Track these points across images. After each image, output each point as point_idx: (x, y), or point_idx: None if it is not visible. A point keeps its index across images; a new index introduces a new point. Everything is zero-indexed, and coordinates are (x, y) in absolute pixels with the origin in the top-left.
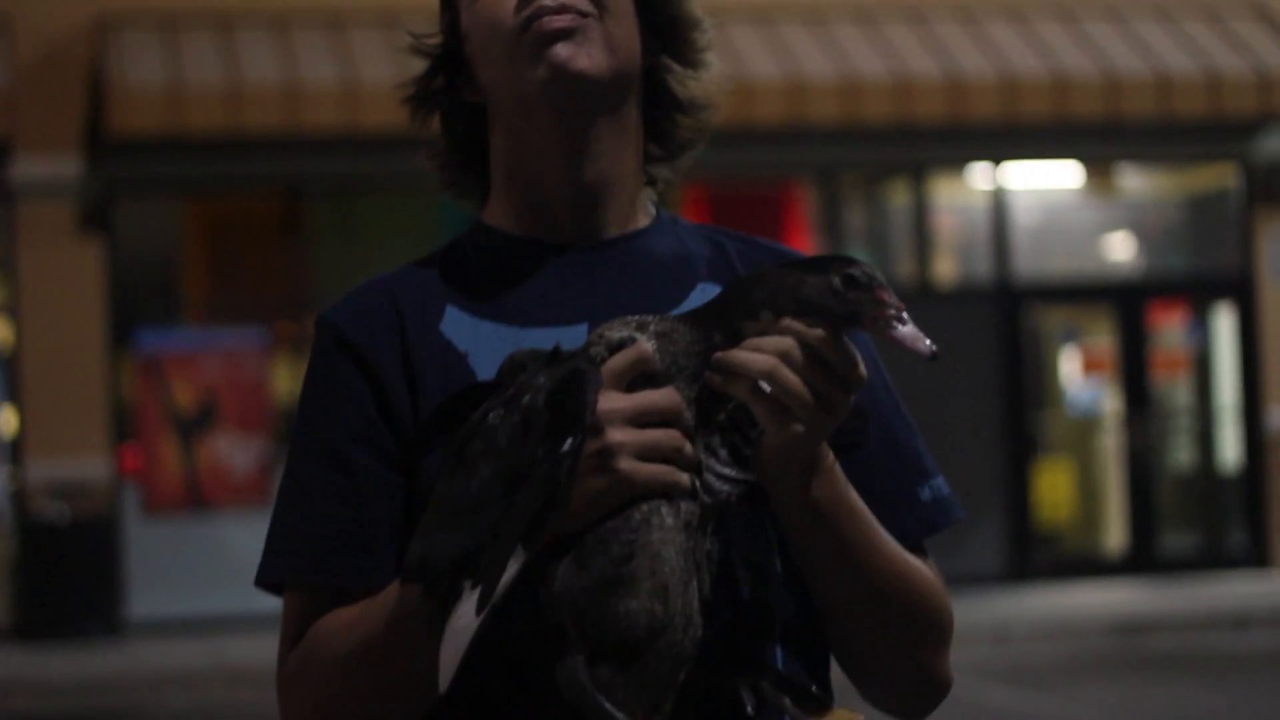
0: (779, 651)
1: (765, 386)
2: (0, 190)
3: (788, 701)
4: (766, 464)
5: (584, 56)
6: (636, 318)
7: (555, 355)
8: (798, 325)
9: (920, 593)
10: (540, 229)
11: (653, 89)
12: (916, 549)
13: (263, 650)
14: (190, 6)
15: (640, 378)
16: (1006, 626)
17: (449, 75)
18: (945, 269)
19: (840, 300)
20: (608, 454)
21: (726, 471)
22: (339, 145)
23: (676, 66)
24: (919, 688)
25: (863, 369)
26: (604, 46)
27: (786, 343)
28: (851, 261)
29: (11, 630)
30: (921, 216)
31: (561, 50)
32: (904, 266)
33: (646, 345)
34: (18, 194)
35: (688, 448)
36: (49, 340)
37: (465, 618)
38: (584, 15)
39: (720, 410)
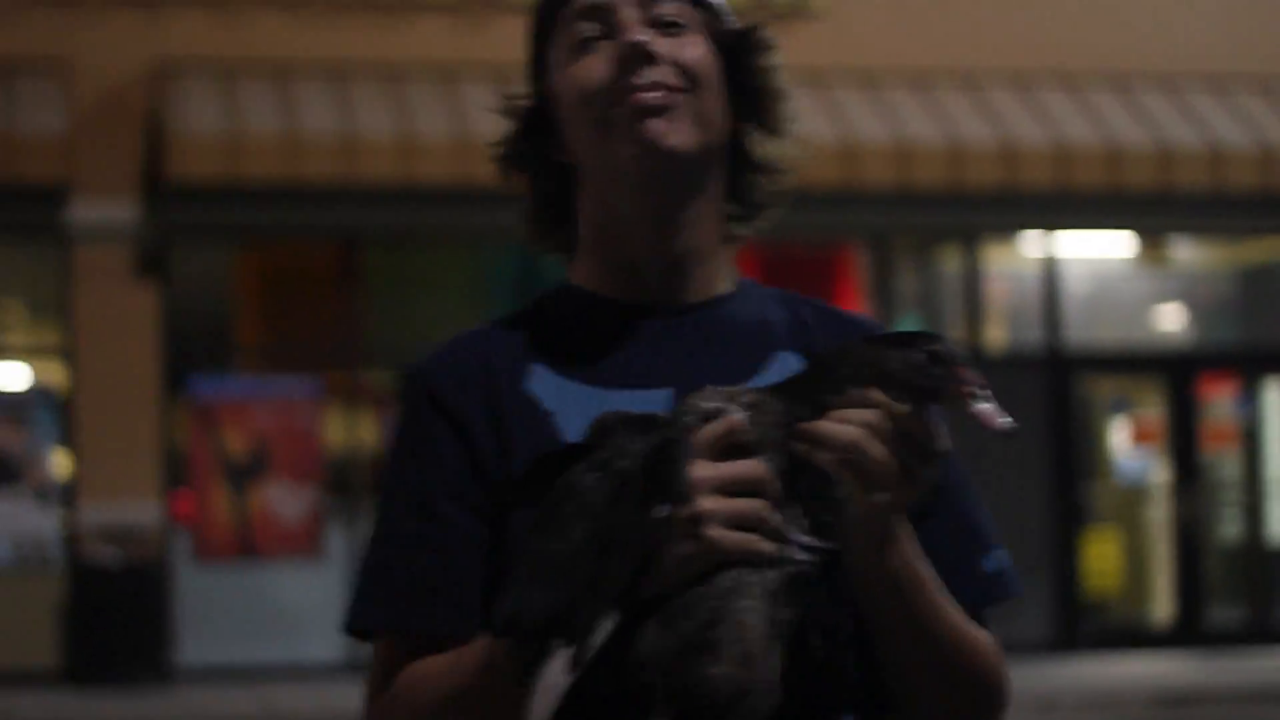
0: (849, 718)
1: (849, 457)
2: (58, 234)
3: None
4: (848, 533)
5: (675, 133)
6: (727, 388)
7: (649, 421)
8: (883, 398)
9: (981, 662)
10: (626, 292)
11: (733, 151)
12: (977, 618)
13: (311, 699)
14: (249, 55)
15: (730, 447)
16: (1054, 696)
17: (538, 135)
18: (996, 335)
19: (924, 375)
20: (697, 521)
21: (807, 541)
22: (394, 196)
23: (758, 132)
24: None
25: (944, 443)
26: (693, 122)
27: (872, 415)
28: (935, 338)
29: (62, 674)
30: (973, 282)
31: (653, 126)
32: (955, 332)
33: (737, 417)
34: (75, 238)
35: (773, 517)
36: (104, 384)
37: (556, 675)
38: (675, 91)
39: (803, 481)
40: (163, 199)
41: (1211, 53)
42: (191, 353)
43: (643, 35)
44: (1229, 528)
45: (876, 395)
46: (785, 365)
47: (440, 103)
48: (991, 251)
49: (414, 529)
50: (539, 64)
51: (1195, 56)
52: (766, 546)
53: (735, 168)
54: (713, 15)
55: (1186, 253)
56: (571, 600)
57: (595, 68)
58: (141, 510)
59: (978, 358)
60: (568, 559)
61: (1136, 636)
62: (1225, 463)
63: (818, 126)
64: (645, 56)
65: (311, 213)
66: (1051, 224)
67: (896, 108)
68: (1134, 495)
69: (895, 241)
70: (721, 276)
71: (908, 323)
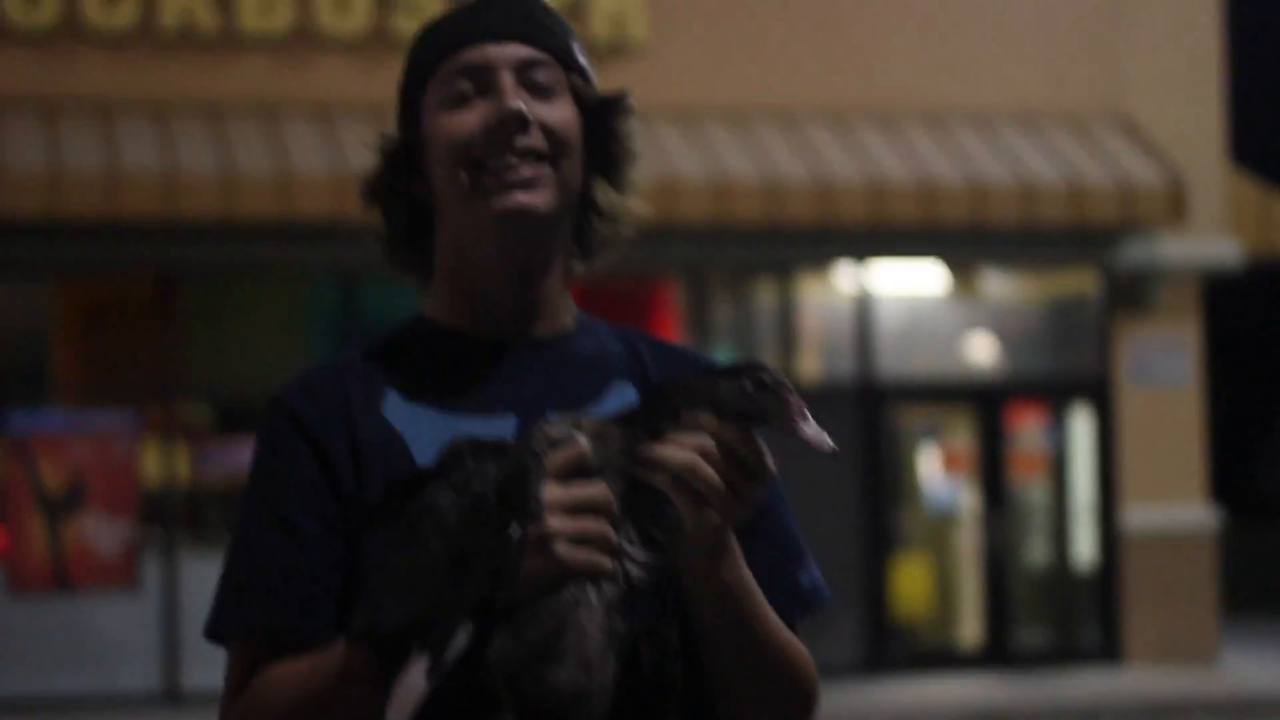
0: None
1: (684, 479)
2: None
3: None
4: (682, 548)
5: (538, 199)
6: (573, 417)
7: (498, 447)
8: (714, 424)
9: (799, 665)
10: (477, 326)
11: (581, 198)
12: (791, 628)
13: None
14: (70, 92)
15: (576, 471)
16: (864, 716)
17: (403, 171)
18: (810, 366)
19: (752, 403)
20: (546, 539)
21: (641, 556)
22: (214, 232)
23: (607, 185)
24: None
25: (771, 464)
26: (555, 190)
27: (704, 440)
28: (762, 368)
29: None
30: (788, 315)
31: (520, 197)
32: (769, 363)
33: (583, 444)
34: None
35: (613, 535)
36: None
37: (414, 681)
38: (542, 159)
39: (641, 501)
40: None
41: (1024, 90)
42: (8, 387)
43: (518, 102)
44: (1036, 552)
45: (708, 421)
46: (622, 395)
47: (261, 139)
48: (806, 284)
49: (273, 541)
50: (412, 104)
51: (1008, 94)
52: (607, 563)
53: (581, 213)
54: (581, 78)
55: (997, 285)
56: (429, 611)
57: (469, 124)
58: None
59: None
60: (425, 572)
61: (945, 658)
62: (1033, 489)
63: (639, 158)
64: (520, 123)
65: (131, 248)
66: (865, 257)
67: (713, 144)
68: (943, 521)
69: (711, 275)
70: (565, 311)
71: (723, 354)
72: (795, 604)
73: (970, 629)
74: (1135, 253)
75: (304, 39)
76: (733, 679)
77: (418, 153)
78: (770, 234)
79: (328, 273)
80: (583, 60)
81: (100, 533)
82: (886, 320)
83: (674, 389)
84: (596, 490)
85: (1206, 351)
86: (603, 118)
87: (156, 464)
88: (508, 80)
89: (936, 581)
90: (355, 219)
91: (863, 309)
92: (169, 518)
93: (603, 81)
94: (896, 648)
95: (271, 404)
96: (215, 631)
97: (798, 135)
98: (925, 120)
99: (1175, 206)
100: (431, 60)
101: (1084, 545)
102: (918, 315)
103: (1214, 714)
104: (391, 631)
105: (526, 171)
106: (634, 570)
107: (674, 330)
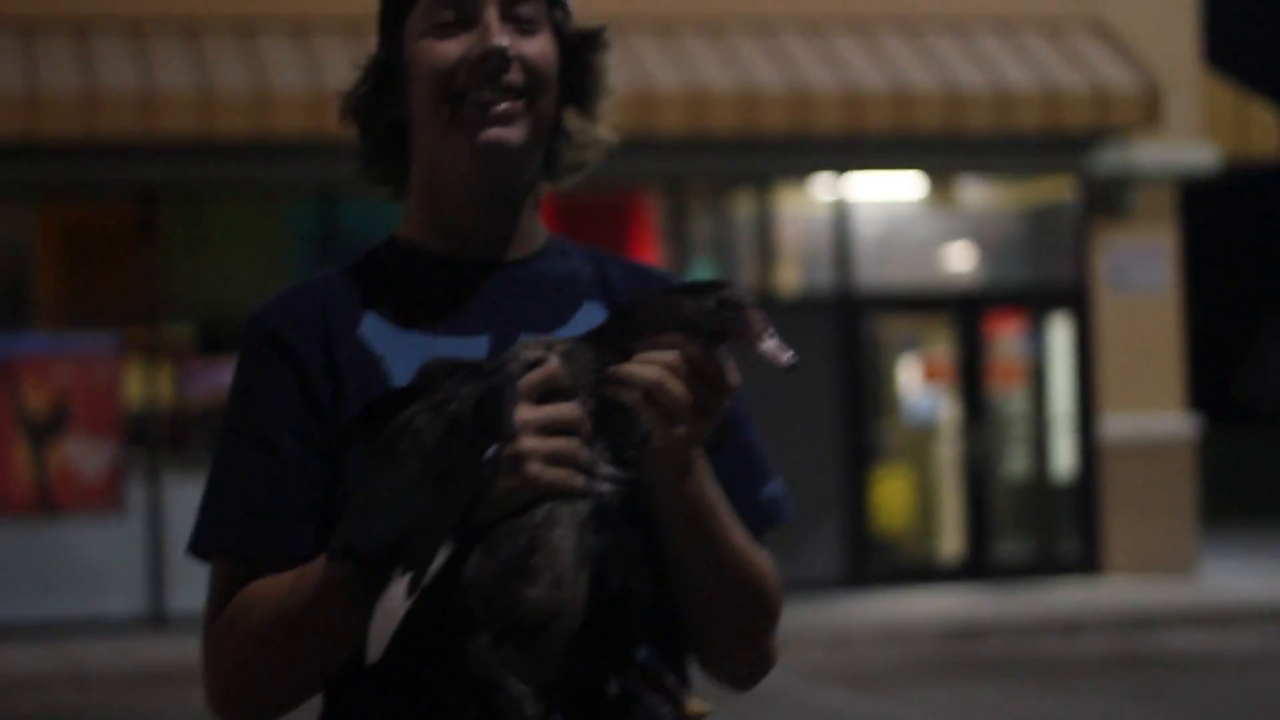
0: (643, 638)
1: (652, 394)
2: None
3: (649, 689)
4: (652, 462)
5: (514, 134)
6: (544, 338)
7: (473, 368)
8: (680, 340)
9: (763, 577)
10: (450, 248)
11: (554, 124)
12: (757, 540)
13: (112, 653)
14: (46, 12)
15: (548, 392)
16: (844, 631)
17: (383, 89)
18: (788, 278)
19: (715, 319)
20: (520, 459)
21: (612, 472)
22: (192, 151)
23: (580, 115)
24: (754, 664)
25: (735, 378)
26: (531, 123)
27: (670, 356)
28: (724, 285)
29: None
30: (765, 226)
31: (495, 132)
32: (748, 275)
33: (555, 364)
34: None
35: (585, 454)
36: None
37: (395, 598)
38: (519, 96)
39: (611, 419)
40: None
41: None
42: None
43: (502, 38)
44: (1016, 464)
45: (673, 338)
46: (591, 315)
47: (238, 57)
48: (783, 196)
49: (253, 460)
50: (394, 22)
51: (982, 0)
52: (579, 481)
53: (551, 138)
54: (561, 11)
55: (974, 193)
56: (409, 529)
57: (452, 54)
58: None
59: (770, 300)
60: (404, 492)
61: (926, 572)
62: (1013, 400)
63: (611, 74)
64: (502, 60)
65: (110, 168)
66: (842, 167)
67: (689, 54)
68: (923, 433)
69: (688, 187)
70: (535, 234)
71: (702, 266)
72: (760, 518)
73: (951, 542)
74: (1111, 159)
75: None
76: (699, 592)
77: (399, 73)
78: (747, 145)
79: (306, 190)
80: None
81: (84, 455)
82: (864, 230)
83: (640, 307)
84: (568, 410)
85: (1184, 257)
86: (580, 52)
87: (139, 385)
88: (492, 14)
89: (917, 494)
90: (333, 136)
91: (840, 219)
92: (153, 439)
93: None
94: (877, 562)
95: (250, 323)
96: (198, 549)
97: (773, 45)
98: (901, 28)
99: (1150, 111)
100: None
101: (1063, 455)
102: (895, 225)
103: (1194, 623)
104: (371, 550)
105: (505, 106)
106: (604, 487)
107: (652, 242)
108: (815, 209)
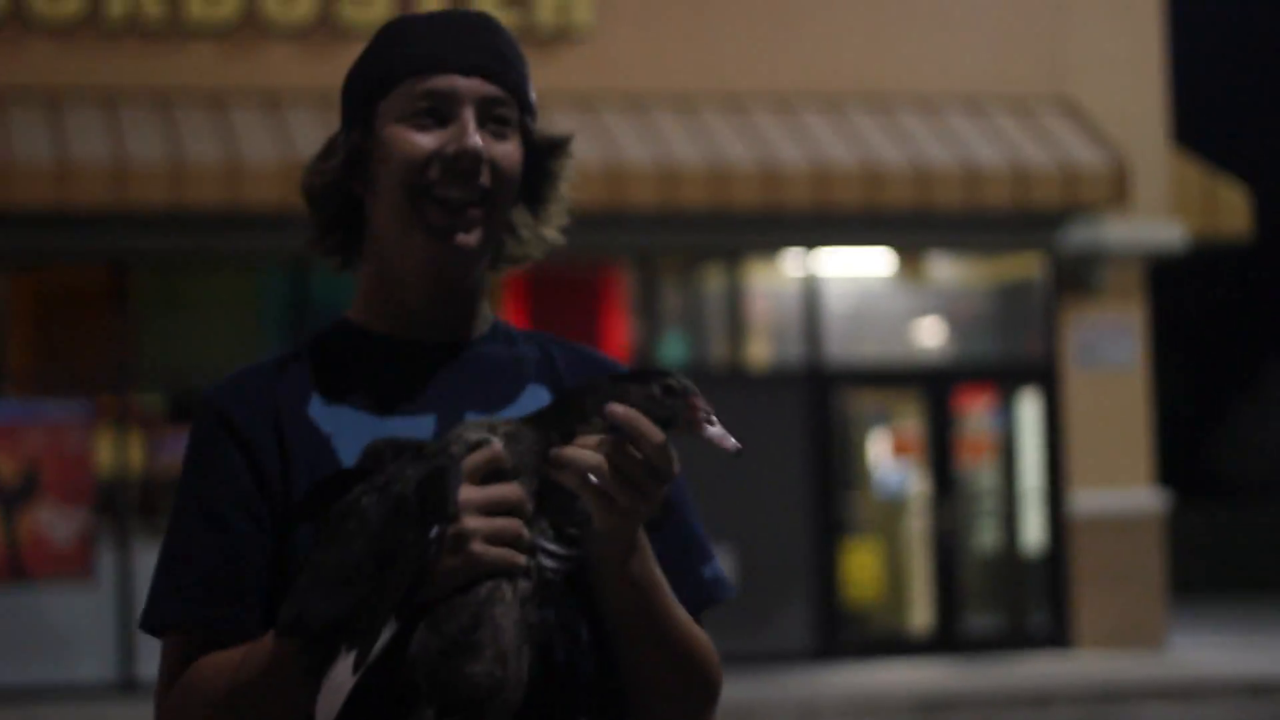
0: (585, 711)
1: (593, 479)
2: None
3: None
4: (593, 543)
5: (473, 239)
6: (488, 420)
7: (417, 448)
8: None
9: (704, 654)
10: (398, 330)
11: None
12: (696, 619)
13: (82, 719)
14: (19, 82)
15: (491, 473)
16: (814, 702)
17: (349, 168)
18: (759, 352)
19: (659, 406)
20: (462, 538)
21: (555, 549)
22: (165, 221)
23: (527, 210)
24: None
25: (676, 464)
26: (489, 227)
27: (611, 443)
28: (668, 374)
29: None
30: (736, 300)
31: (458, 237)
32: (718, 349)
33: (498, 446)
34: None
35: (526, 534)
36: None
37: (341, 674)
38: (483, 198)
39: (553, 499)
40: None
41: (968, 74)
42: None
43: (476, 139)
44: (985, 537)
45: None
46: (536, 397)
47: (210, 128)
48: (754, 270)
49: (205, 537)
50: (365, 102)
51: (952, 77)
52: (520, 559)
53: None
54: (531, 116)
55: (944, 270)
56: (354, 607)
57: (425, 147)
58: None
59: (740, 374)
60: (350, 570)
61: (896, 644)
62: (982, 474)
63: (583, 148)
64: (475, 161)
65: (82, 237)
66: (812, 242)
67: (661, 130)
68: (893, 506)
69: (660, 261)
70: (482, 318)
71: (673, 340)
72: (700, 596)
73: (921, 615)
74: (1080, 236)
75: (251, 27)
76: (641, 669)
77: (365, 153)
78: (718, 220)
79: (278, 260)
80: (533, 96)
81: (55, 522)
82: (834, 305)
83: (585, 392)
84: (510, 490)
85: (1152, 334)
86: (542, 156)
87: (110, 453)
88: (469, 116)
89: (887, 567)
90: (304, 208)
91: (810, 294)
92: (123, 507)
93: (548, 69)
94: (847, 634)
95: (202, 404)
96: (150, 623)
97: (744, 121)
98: (871, 105)
99: (1119, 189)
100: (399, 71)
101: (1033, 530)
102: (865, 300)
103: (1163, 697)
104: (318, 627)
105: (470, 212)
106: (548, 564)
107: (623, 316)
108: (786, 284)
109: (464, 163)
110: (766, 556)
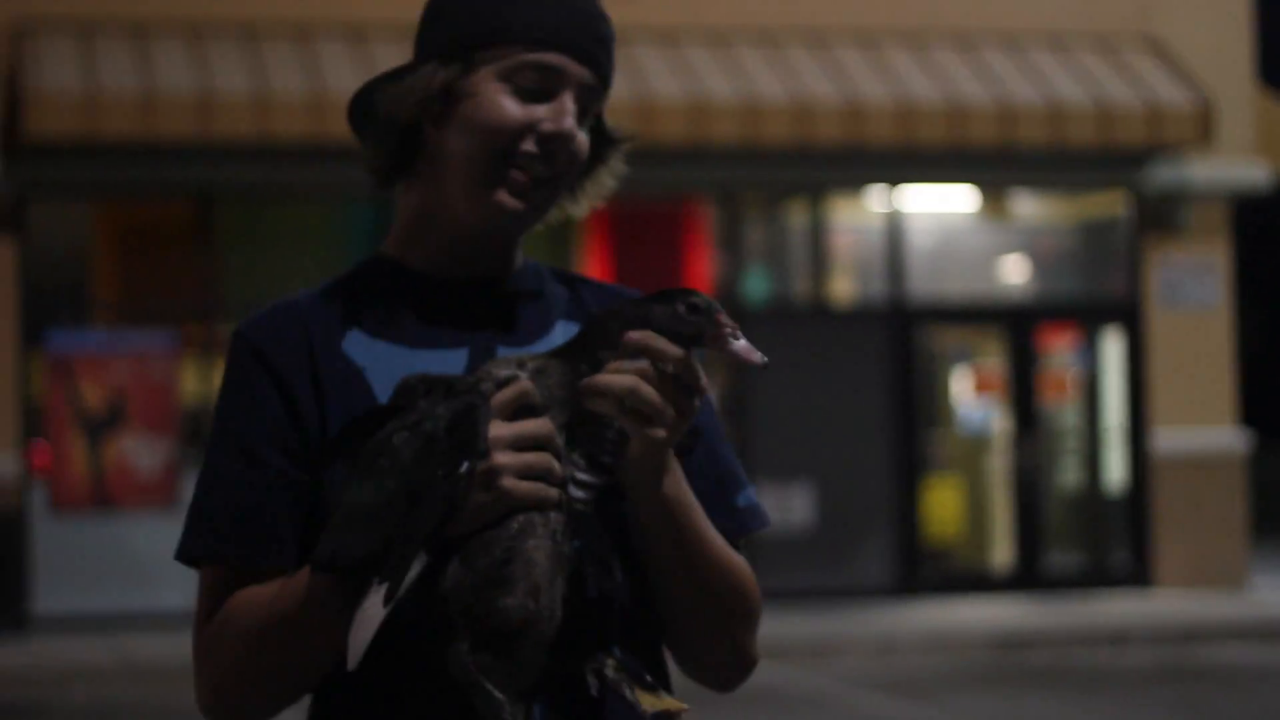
0: (620, 640)
1: (628, 401)
2: None
3: (626, 686)
4: (630, 467)
5: (537, 208)
6: (516, 356)
7: (448, 384)
8: (651, 340)
9: (740, 579)
10: (436, 268)
11: None
12: (733, 548)
13: (166, 647)
14: (107, 13)
15: (520, 408)
16: (892, 638)
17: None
18: (841, 288)
19: (684, 324)
20: (493, 474)
21: (586, 478)
22: (250, 153)
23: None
24: (733, 663)
25: (704, 378)
26: (551, 201)
27: (642, 364)
28: (691, 293)
29: None
30: (819, 236)
31: (520, 204)
32: (801, 285)
33: (526, 382)
34: None
35: (557, 468)
36: None
37: (373, 608)
38: (555, 176)
39: (586, 429)
40: (20, 155)
41: (1052, 10)
42: (49, 307)
43: (573, 124)
44: (1067, 476)
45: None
46: (565, 333)
47: (296, 60)
48: (837, 206)
49: (238, 472)
50: (465, 50)
51: (1036, 14)
52: (551, 494)
53: None
54: (603, 109)
55: (1027, 207)
56: (386, 543)
57: (521, 117)
58: None
59: (823, 310)
60: (382, 507)
61: (976, 581)
62: (1064, 412)
63: (667, 84)
64: (565, 144)
65: (168, 169)
66: (896, 179)
67: (744, 65)
68: (975, 444)
69: (743, 196)
70: (514, 256)
71: (755, 275)
72: (735, 524)
73: (1001, 552)
74: (1164, 175)
75: None
76: (677, 593)
77: (455, 93)
78: (801, 156)
79: (362, 192)
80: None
81: (140, 452)
82: (917, 242)
83: (610, 317)
84: (539, 425)
85: (1236, 274)
86: (601, 149)
87: (195, 383)
88: (570, 100)
89: (968, 504)
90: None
91: (894, 231)
92: (208, 436)
93: (632, 5)
94: (927, 571)
95: (235, 338)
96: (186, 555)
97: (827, 57)
98: (954, 41)
99: (1203, 128)
100: (516, 33)
101: (1114, 469)
102: (948, 237)
103: (1243, 638)
104: (351, 563)
105: (543, 186)
106: (579, 495)
107: (706, 251)
108: (869, 220)
109: (556, 144)
110: (848, 494)
